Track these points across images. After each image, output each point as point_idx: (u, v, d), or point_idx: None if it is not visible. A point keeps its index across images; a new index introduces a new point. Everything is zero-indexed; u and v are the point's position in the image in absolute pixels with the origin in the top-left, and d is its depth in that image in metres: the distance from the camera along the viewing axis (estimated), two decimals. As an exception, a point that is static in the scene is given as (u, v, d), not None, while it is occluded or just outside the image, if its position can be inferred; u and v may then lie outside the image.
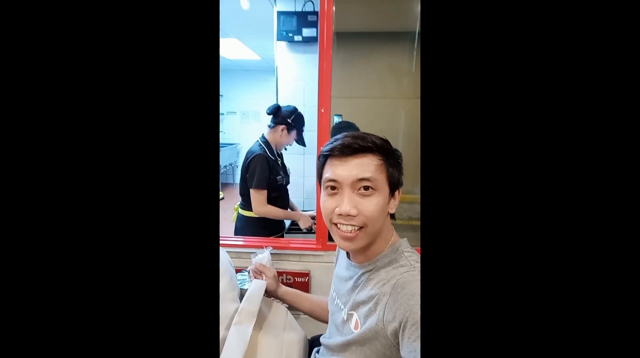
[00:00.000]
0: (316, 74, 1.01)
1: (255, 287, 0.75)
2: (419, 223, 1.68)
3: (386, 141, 0.57)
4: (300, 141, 1.47)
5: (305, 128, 1.61)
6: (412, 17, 1.64)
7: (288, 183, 1.50)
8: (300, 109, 1.76)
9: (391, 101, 1.73)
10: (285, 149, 1.54)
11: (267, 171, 1.35)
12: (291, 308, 0.85)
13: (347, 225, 0.55)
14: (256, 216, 1.38)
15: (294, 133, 1.43)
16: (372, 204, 0.54)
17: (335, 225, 0.57)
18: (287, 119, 1.39)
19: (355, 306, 0.58)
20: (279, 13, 1.71)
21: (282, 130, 1.40)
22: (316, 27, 1.66)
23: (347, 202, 0.54)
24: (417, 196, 1.77)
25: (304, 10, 1.73)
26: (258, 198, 1.33)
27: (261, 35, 2.02)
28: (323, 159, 0.59)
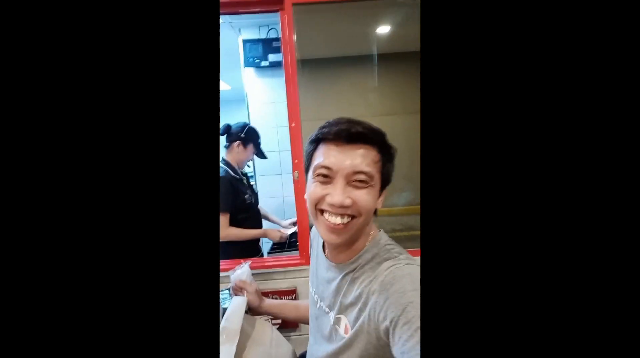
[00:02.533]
0: (285, 96, 1.04)
1: (235, 304, 0.71)
2: (403, 233, 1.70)
3: (384, 134, 0.53)
4: (260, 153, 1.47)
5: (279, 148, 1.62)
6: (370, 41, 1.77)
7: (257, 202, 1.48)
8: (273, 131, 1.78)
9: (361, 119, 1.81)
10: (248, 166, 1.53)
11: (229, 194, 1.32)
12: (282, 324, 0.82)
13: (337, 215, 0.51)
14: (224, 241, 1.34)
15: (250, 147, 1.42)
16: (365, 194, 0.51)
17: (322, 212, 0.52)
18: (239, 134, 1.39)
19: (343, 309, 0.55)
20: (245, 41, 1.78)
21: (238, 146, 1.39)
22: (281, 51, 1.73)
23: (340, 192, 0.50)
24: (398, 208, 1.80)
25: (268, 37, 1.81)
26: (219, 221, 1.30)
27: (229, 65, 2.08)
28: (315, 144, 0.54)
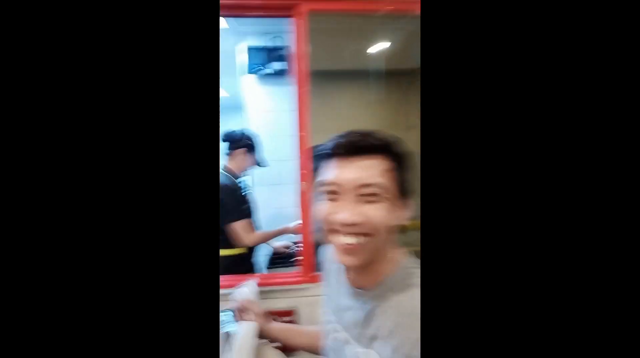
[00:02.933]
0: (287, 104, 1.00)
1: (245, 333, 0.64)
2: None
3: (395, 141, 0.50)
4: (262, 161, 1.43)
5: (279, 157, 1.58)
6: (374, 56, 1.79)
7: (254, 213, 1.43)
8: (272, 140, 1.74)
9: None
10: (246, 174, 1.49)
11: (239, 201, 1.30)
12: (285, 348, 0.74)
13: (349, 235, 0.47)
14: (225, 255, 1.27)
15: (254, 154, 1.39)
16: (378, 209, 0.47)
17: (335, 232, 0.48)
18: (246, 141, 1.35)
19: (372, 341, 0.49)
20: (250, 48, 1.74)
21: (244, 153, 1.35)
22: (285, 60, 1.71)
23: (349, 209, 0.46)
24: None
25: (273, 45, 1.78)
26: (243, 228, 1.27)
27: (226, 71, 2.03)
28: (322, 159, 0.51)
